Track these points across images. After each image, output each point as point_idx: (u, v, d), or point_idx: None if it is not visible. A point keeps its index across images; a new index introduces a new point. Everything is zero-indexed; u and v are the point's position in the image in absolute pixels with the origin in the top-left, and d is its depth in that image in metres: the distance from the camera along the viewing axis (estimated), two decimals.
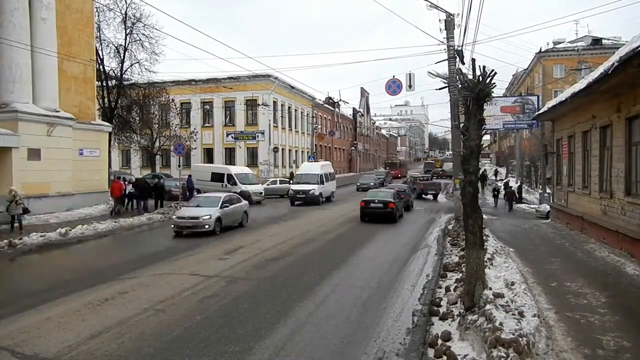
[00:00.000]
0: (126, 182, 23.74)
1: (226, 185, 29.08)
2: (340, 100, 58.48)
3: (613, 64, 9.87)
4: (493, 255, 10.08)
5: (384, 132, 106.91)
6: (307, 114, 52.36)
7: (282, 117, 46.00)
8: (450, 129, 22.86)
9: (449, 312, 7.29)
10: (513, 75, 59.47)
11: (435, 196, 32.53)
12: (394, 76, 22.71)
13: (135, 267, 10.80)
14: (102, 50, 31.12)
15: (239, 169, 33.13)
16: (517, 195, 29.58)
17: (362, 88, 77.80)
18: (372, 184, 37.64)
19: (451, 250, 12.79)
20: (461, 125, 8.17)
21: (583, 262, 11.10)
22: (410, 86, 21.88)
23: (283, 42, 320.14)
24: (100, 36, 30.26)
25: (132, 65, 32.30)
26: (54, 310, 7.60)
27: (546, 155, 23.92)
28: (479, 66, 7.15)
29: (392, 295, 8.83)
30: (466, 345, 5.93)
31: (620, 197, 11.67)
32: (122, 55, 31.92)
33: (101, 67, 30.58)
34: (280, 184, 34.50)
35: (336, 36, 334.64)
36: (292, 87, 45.98)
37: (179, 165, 27.92)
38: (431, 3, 18.58)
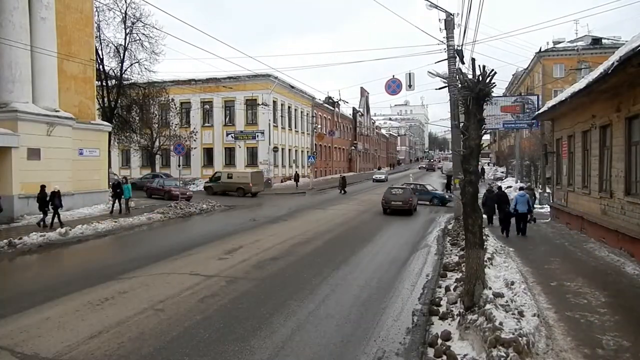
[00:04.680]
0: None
1: None
2: (340, 99, 58.50)
3: (613, 63, 9.88)
4: (493, 255, 10.08)
5: (383, 131, 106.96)
6: (307, 114, 52.35)
7: (282, 116, 45.99)
8: (450, 129, 22.83)
9: (449, 311, 7.29)
10: (513, 75, 59.48)
11: None
12: (393, 76, 22.66)
13: (135, 267, 10.79)
14: (101, 50, 31.18)
15: None
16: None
17: (361, 88, 77.91)
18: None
19: (451, 250, 12.80)
20: (461, 124, 8.18)
21: (583, 262, 11.10)
22: (410, 86, 21.82)
23: (273, 26, 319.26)
24: (100, 36, 30.30)
25: (132, 65, 32.41)
26: (54, 310, 7.60)
27: (546, 155, 23.93)
28: (479, 66, 7.17)
29: (392, 294, 8.83)
30: (466, 345, 5.93)
31: (620, 197, 11.67)
32: (121, 55, 31.98)
33: (101, 66, 30.60)
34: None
35: (330, 18, 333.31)
36: (292, 87, 45.99)
37: (179, 165, 27.94)
38: (431, 3, 18.56)
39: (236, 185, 32.53)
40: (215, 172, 36.05)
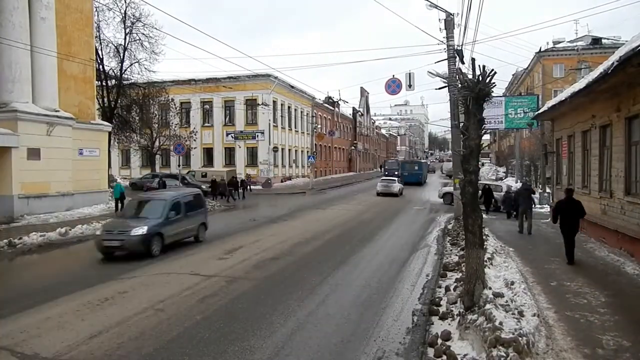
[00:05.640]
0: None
1: None
2: (340, 99, 58.53)
3: (613, 63, 9.88)
4: (493, 255, 10.08)
5: (383, 131, 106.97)
6: (307, 114, 52.34)
7: (281, 116, 46.00)
8: (450, 129, 22.84)
9: (449, 311, 7.29)
10: (513, 75, 59.51)
11: None
12: (393, 75, 22.66)
13: (135, 266, 10.80)
14: (101, 49, 31.16)
15: None
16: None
17: (361, 87, 77.95)
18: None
19: (451, 250, 12.80)
20: (461, 124, 8.18)
21: (582, 262, 11.10)
22: (410, 86, 21.81)
23: (269, 22, 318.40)
24: (99, 36, 30.29)
25: (131, 64, 32.40)
26: (54, 310, 7.60)
27: (546, 155, 23.92)
28: (479, 66, 7.16)
29: (391, 294, 8.83)
30: (466, 345, 5.93)
31: (620, 197, 11.67)
32: (121, 54, 31.97)
33: (101, 66, 30.59)
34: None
35: (328, 16, 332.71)
36: (292, 87, 45.99)
37: (179, 165, 27.96)
38: (431, 3, 18.56)
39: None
40: (188, 171, 35.98)
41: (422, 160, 64.84)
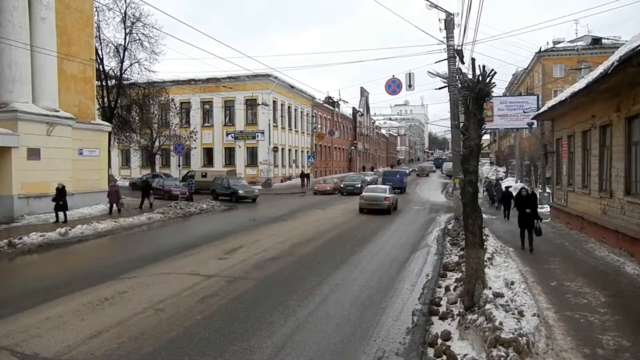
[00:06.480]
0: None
1: None
2: (340, 99, 58.57)
3: (613, 63, 9.88)
4: (493, 255, 10.08)
5: (383, 131, 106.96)
6: (307, 114, 52.35)
7: (281, 116, 46.01)
8: (450, 129, 22.86)
9: (449, 311, 7.29)
10: (513, 75, 59.52)
11: None
12: (393, 75, 22.66)
13: (134, 266, 10.79)
14: (101, 49, 31.20)
15: None
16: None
17: (361, 88, 77.96)
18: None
19: (451, 250, 12.80)
20: (461, 124, 8.19)
21: (583, 262, 11.11)
22: (410, 86, 21.82)
23: (268, 18, 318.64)
24: (99, 36, 30.33)
25: (131, 64, 32.46)
26: (54, 310, 7.59)
27: (546, 155, 23.92)
28: (479, 66, 7.17)
29: (391, 294, 8.83)
30: (466, 345, 5.93)
31: (620, 197, 11.67)
32: (121, 54, 32.01)
33: (101, 66, 30.61)
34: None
35: (328, 15, 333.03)
36: (292, 87, 45.99)
37: (179, 165, 27.95)
38: (431, 3, 18.58)
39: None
40: (188, 172, 35.90)
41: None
